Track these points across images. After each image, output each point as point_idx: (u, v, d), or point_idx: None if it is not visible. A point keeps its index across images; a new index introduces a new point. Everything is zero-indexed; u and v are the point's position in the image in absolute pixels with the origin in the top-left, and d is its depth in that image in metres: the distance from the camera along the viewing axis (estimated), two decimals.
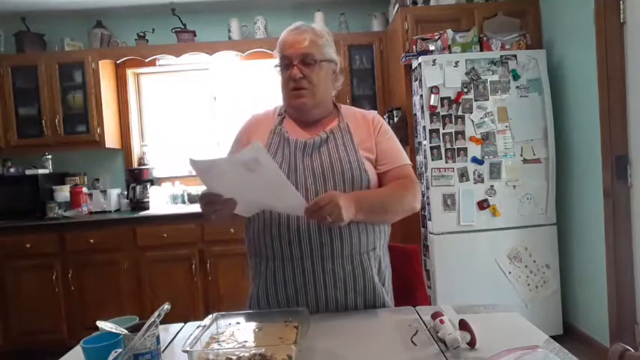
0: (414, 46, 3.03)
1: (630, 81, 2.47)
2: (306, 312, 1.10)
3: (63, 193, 3.60)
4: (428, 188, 2.90)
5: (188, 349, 0.92)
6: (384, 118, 3.45)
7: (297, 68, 1.30)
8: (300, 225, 1.25)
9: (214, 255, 3.27)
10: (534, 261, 2.91)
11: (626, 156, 2.50)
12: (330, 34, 1.41)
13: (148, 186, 3.74)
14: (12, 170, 3.61)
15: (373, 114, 1.45)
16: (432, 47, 2.97)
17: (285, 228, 1.26)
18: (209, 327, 1.06)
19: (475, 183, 2.87)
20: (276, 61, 1.38)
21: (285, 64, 1.32)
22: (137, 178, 3.77)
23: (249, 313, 1.24)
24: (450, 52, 2.93)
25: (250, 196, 1.16)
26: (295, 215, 1.24)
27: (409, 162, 1.40)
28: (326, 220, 1.12)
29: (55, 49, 3.76)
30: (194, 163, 1.08)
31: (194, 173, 1.17)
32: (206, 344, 1.01)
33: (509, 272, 2.89)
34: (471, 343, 0.98)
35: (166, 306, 0.94)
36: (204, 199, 1.17)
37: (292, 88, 1.32)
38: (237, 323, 1.12)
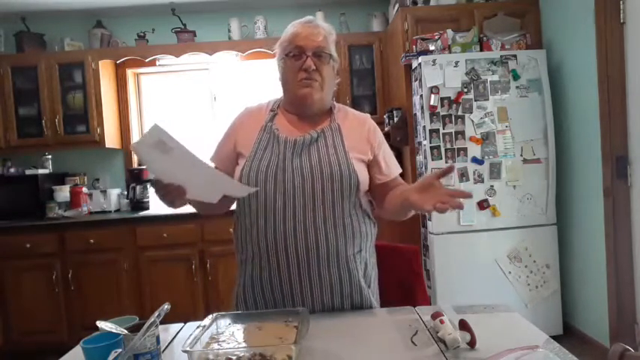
0: (414, 46, 3.03)
1: (630, 81, 2.47)
2: (306, 312, 1.10)
3: (63, 193, 3.60)
4: None
5: (188, 349, 0.92)
6: (383, 118, 3.49)
7: (310, 59, 1.30)
8: (287, 225, 1.24)
9: (214, 255, 3.27)
10: (534, 261, 2.91)
11: (626, 156, 2.50)
12: (334, 34, 1.42)
13: (148, 186, 3.73)
14: (12, 170, 3.61)
15: (368, 118, 1.44)
16: (432, 47, 2.97)
17: (271, 228, 1.25)
18: (209, 327, 1.06)
19: (475, 183, 2.87)
20: (278, 56, 1.37)
21: (295, 55, 1.31)
22: (137, 178, 3.77)
23: (250, 313, 1.25)
24: (450, 52, 2.93)
25: (187, 179, 1.13)
26: (281, 214, 1.24)
27: (400, 170, 1.44)
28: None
29: (55, 49, 3.76)
30: (134, 147, 1.11)
31: None
32: (206, 344, 1.01)
33: (509, 272, 2.89)
34: (471, 343, 0.98)
35: (166, 306, 0.94)
36: (152, 184, 1.17)
37: (302, 78, 1.31)
38: (237, 323, 1.12)
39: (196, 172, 1.11)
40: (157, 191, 1.15)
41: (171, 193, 1.14)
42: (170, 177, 1.12)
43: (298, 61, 1.31)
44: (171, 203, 1.19)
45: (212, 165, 1.32)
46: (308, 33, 1.32)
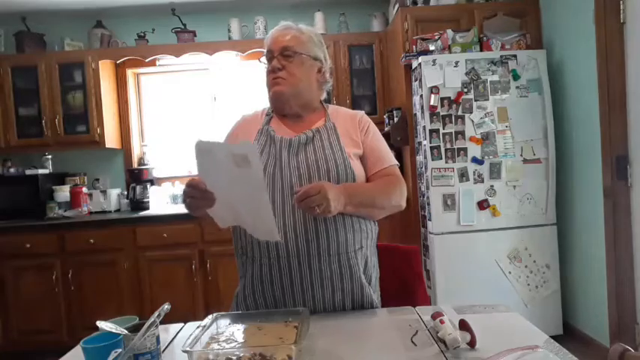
0: (414, 46, 3.03)
1: (630, 81, 2.47)
2: (307, 312, 1.10)
3: (63, 193, 3.60)
4: (428, 188, 2.91)
5: (188, 349, 0.92)
6: (383, 118, 3.49)
7: (276, 60, 1.36)
8: (287, 223, 1.25)
9: (214, 255, 3.27)
10: (534, 261, 2.91)
11: (626, 156, 2.50)
12: (318, 35, 1.45)
13: (148, 186, 3.74)
14: (12, 170, 3.62)
15: (361, 113, 1.48)
16: (432, 47, 2.97)
17: None
18: (209, 327, 1.06)
19: (475, 183, 2.87)
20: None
21: (269, 58, 1.39)
22: (137, 178, 3.77)
23: (250, 313, 1.24)
24: (450, 52, 2.93)
25: (229, 197, 1.14)
26: (281, 213, 1.24)
27: (396, 162, 1.43)
28: (314, 210, 1.14)
29: (55, 49, 3.76)
30: (199, 143, 1.09)
31: (194, 173, 1.17)
32: (206, 344, 1.01)
33: (509, 272, 2.89)
34: (471, 343, 0.98)
35: (166, 306, 0.94)
36: (189, 182, 1.17)
37: (272, 78, 1.37)
38: (237, 323, 1.12)
39: (252, 197, 1.10)
40: (190, 191, 1.14)
41: (202, 200, 1.13)
42: (215, 186, 1.12)
43: (269, 64, 1.38)
44: (195, 209, 1.19)
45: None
46: (277, 36, 1.39)
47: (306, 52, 1.38)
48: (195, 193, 1.14)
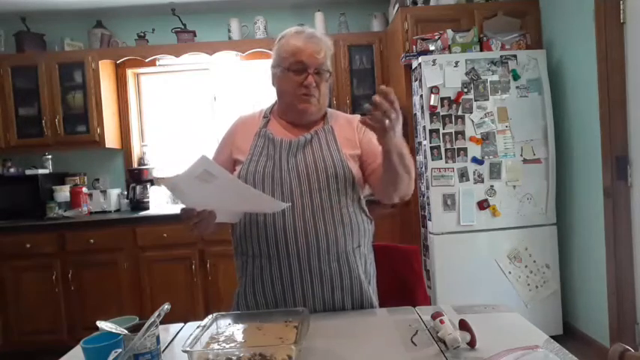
0: (414, 46, 3.04)
1: (630, 81, 2.47)
2: (307, 312, 1.10)
3: (63, 193, 3.60)
4: (428, 188, 2.91)
5: (188, 349, 0.92)
6: None
7: (312, 77, 1.33)
8: (286, 222, 1.26)
9: (214, 255, 3.27)
10: (534, 261, 2.91)
11: (626, 156, 2.50)
12: (333, 49, 1.45)
13: (148, 186, 3.73)
14: (12, 170, 3.61)
15: (358, 117, 1.47)
16: (432, 47, 2.97)
17: (270, 226, 1.27)
18: (209, 327, 1.06)
19: (475, 183, 2.87)
20: (275, 63, 1.40)
21: (298, 69, 1.34)
22: (137, 178, 3.77)
23: (250, 313, 1.25)
24: (450, 52, 2.93)
25: (222, 204, 1.18)
26: (281, 212, 1.25)
27: None
28: (384, 120, 1.06)
29: (55, 49, 3.76)
30: (164, 183, 1.12)
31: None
32: (206, 344, 1.01)
33: (509, 272, 2.89)
34: (471, 343, 0.98)
35: (166, 306, 0.94)
36: (182, 214, 1.18)
37: (303, 93, 1.35)
38: (237, 323, 1.12)
39: (238, 195, 1.14)
40: (188, 220, 1.16)
41: (205, 220, 1.16)
42: (204, 205, 1.15)
43: (299, 76, 1.34)
44: (205, 229, 1.20)
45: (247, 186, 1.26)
46: (312, 50, 1.34)
47: (331, 70, 1.40)
48: (194, 219, 1.16)
